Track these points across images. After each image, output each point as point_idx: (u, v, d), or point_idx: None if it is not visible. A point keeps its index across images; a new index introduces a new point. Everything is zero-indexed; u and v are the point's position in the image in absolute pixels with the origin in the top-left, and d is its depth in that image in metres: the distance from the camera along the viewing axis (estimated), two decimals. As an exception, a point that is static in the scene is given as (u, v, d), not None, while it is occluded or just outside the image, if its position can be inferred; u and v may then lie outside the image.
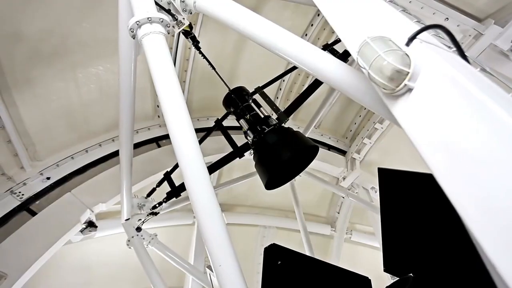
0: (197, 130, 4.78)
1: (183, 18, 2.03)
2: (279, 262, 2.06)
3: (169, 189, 3.26)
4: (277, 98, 5.07)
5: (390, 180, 1.93)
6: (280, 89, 5.00)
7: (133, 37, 1.74)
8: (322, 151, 5.40)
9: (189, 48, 4.10)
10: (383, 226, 1.93)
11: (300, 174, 2.95)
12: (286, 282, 2.07)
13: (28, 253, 2.84)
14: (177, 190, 3.18)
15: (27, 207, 3.17)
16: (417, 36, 0.88)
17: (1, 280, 2.56)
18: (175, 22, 2.01)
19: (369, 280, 2.25)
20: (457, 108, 0.62)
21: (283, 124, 2.74)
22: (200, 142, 3.28)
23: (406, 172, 1.84)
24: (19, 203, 3.15)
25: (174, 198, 3.27)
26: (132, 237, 3.25)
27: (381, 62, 0.84)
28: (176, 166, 3.29)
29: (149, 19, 1.68)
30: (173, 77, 1.61)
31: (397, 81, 0.82)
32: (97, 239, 3.79)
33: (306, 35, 4.47)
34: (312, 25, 4.40)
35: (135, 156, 3.94)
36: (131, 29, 1.71)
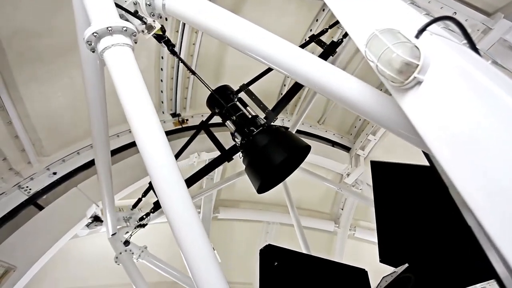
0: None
1: (154, 21, 1.77)
2: (276, 263, 2.06)
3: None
4: (281, 94, 5.05)
5: (382, 172, 1.95)
6: (285, 85, 4.98)
7: (92, 50, 1.45)
8: (326, 147, 5.38)
9: (193, 44, 4.09)
10: (377, 218, 1.96)
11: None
12: (284, 282, 2.07)
13: (36, 246, 2.89)
14: None
15: (34, 202, 3.22)
16: (427, 28, 0.87)
17: (10, 272, 2.61)
18: (144, 26, 1.72)
19: (366, 271, 2.27)
20: (468, 101, 0.61)
21: (273, 123, 2.61)
22: (190, 141, 3.14)
23: (398, 164, 1.86)
24: (27, 197, 3.19)
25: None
26: (120, 253, 3.04)
27: (390, 54, 0.83)
28: None
29: (109, 29, 1.40)
30: (144, 99, 1.37)
31: (406, 74, 0.81)
32: (102, 233, 3.84)
33: (310, 30, 4.43)
34: (317, 20, 4.36)
35: (132, 155, 3.97)
36: (88, 41, 1.42)
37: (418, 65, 0.79)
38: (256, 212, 5.42)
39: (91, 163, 3.73)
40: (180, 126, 4.48)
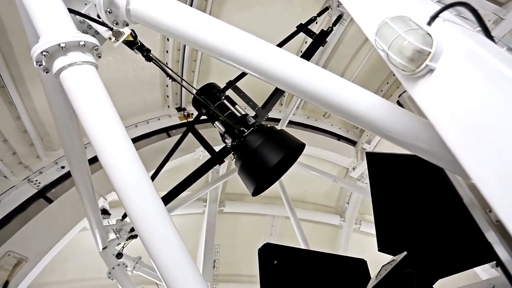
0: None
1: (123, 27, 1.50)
2: (275, 262, 2.06)
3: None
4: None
5: (378, 163, 1.97)
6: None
7: (46, 71, 1.19)
8: (331, 141, 5.36)
9: (198, 37, 4.07)
10: (374, 208, 1.98)
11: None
12: (285, 280, 2.09)
13: (46, 238, 2.95)
14: None
15: (43, 195, 3.28)
16: (440, 15, 0.84)
17: (22, 263, 2.68)
18: (111, 32, 1.45)
19: (365, 261, 2.30)
20: (485, 88, 0.60)
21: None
22: (178, 145, 2.98)
23: (393, 154, 1.87)
24: (36, 191, 3.26)
25: None
26: (113, 268, 2.86)
27: (401, 42, 0.80)
28: (153, 177, 2.85)
29: (62, 45, 1.12)
30: (115, 130, 1.15)
31: (417, 62, 0.79)
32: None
33: (316, 23, 4.36)
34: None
35: (145, 146, 3.99)
36: (37, 62, 1.15)
37: (430, 52, 0.77)
38: (261, 205, 5.45)
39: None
40: (186, 120, 4.49)
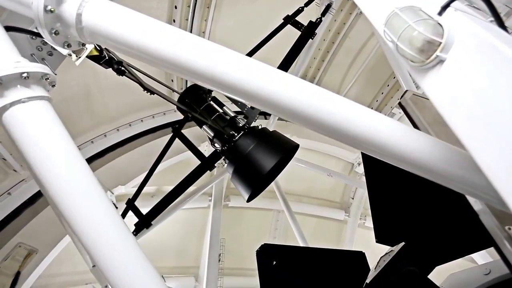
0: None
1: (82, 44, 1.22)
2: (274, 262, 2.05)
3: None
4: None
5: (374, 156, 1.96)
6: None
7: None
8: (337, 136, 5.33)
9: (203, 32, 4.06)
10: (370, 199, 1.98)
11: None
12: (285, 280, 2.09)
13: (55, 230, 3.01)
14: (146, 219, 2.63)
15: (52, 188, 3.34)
16: (451, 5, 0.82)
17: (32, 254, 2.75)
18: (70, 46, 1.18)
19: (363, 253, 2.31)
20: (497, 78, 0.58)
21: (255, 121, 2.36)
22: (168, 147, 2.84)
23: None
24: (45, 184, 3.31)
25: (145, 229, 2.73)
26: (106, 286, 2.53)
27: (411, 32, 0.79)
28: (139, 190, 2.70)
29: None
30: (75, 174, 0.98)
31: (427, 53, 0.77)
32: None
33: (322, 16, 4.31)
34: (328, 4, 4.22)
35: (144, 144, 4.00)
36: None
37: (441, 42, 0.75)
38: (266, 200, 5.46)
39: (104, 152, 3.83)
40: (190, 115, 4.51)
